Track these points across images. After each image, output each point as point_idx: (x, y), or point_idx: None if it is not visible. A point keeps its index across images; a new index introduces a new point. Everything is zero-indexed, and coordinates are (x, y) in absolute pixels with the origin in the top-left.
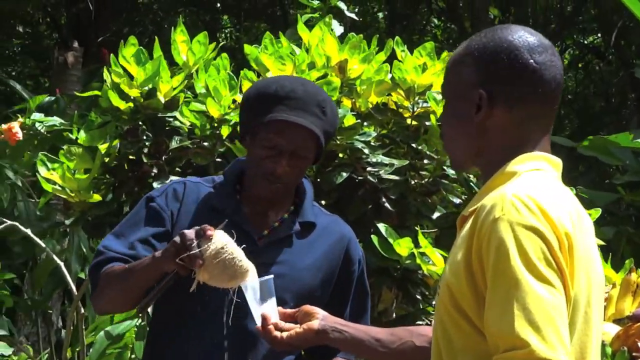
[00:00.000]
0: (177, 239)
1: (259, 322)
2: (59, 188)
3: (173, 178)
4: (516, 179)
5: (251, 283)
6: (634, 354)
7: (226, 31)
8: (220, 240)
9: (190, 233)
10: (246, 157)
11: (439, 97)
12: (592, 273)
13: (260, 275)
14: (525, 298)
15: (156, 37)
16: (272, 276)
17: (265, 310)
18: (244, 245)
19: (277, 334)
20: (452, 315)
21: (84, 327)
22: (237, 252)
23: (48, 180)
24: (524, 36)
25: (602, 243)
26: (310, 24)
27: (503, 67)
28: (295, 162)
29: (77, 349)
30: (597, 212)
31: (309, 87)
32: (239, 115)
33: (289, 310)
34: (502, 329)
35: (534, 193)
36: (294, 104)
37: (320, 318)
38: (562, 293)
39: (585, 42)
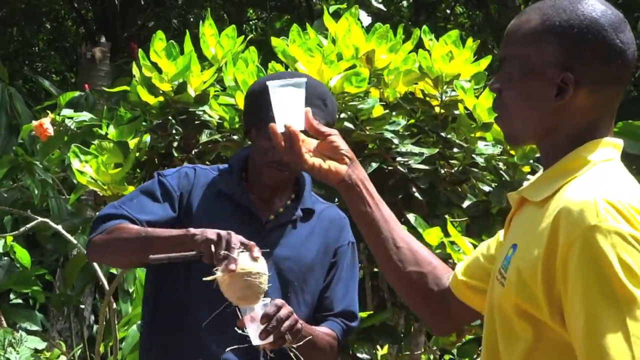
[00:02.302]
0: (224, 233)
1: (253, 337)
2: (92, 181)
3: None
4: (592, 171)
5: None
6: None
7: (251, 24)
8: (261, 267)
9: (238, 238)
10: (252, 149)
11: (467, 85)
12: None
13: (266, 256)
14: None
15: (187, 31)
16: (268, 299)
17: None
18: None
19: (308, 157)
20: (519, 307)
21: (116, 321)
22: (264, 286)
23: (81, 173)
24: (607, 12)
25: None
26: (337, 15)
27: (591, 48)
28: None
29: (110, 344)
30: None
31: (310, 81)
32: (244, 110)
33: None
34: (615, 353)
35: (626, 198)
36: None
37: (348, 163)
38: None
39: None
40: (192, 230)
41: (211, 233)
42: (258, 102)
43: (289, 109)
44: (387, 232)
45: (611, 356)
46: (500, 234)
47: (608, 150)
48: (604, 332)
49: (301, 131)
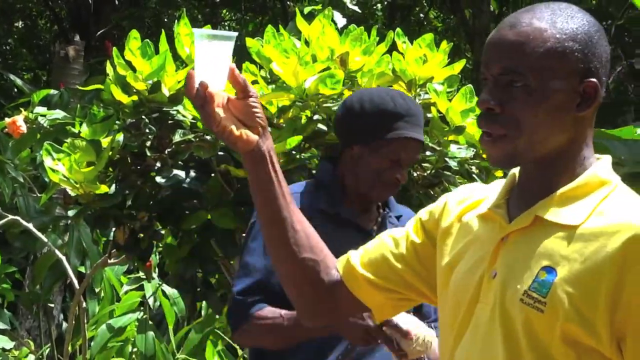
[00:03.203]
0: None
1: None
2: (65, 179)
3: (176, 172)
4: (620, 191)
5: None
6: None
7: (226, 25)
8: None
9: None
10: (353, 164)
11: (440, 88)
12: None
13: None
14: None
15: (162, 31)
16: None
17: None
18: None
19: (219, 118)
20: (567, 334)
21: (85, 320)
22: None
23: (53, 171)
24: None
25: None
26: (313, 16)
27: (605, 55)
28: (407, 170)
29: (79, 343)
30: None
31: (414, 102)
32: (341, 126)
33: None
34: None
35: None
36: (413, 120)
37: (261, 132)
38: None
39: None
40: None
41: (359, 328)
42: (372, 123)
43: (211, 64)
44: (287, 212)
45: None
46: (410, 231)
47: (610, 166)
48: None
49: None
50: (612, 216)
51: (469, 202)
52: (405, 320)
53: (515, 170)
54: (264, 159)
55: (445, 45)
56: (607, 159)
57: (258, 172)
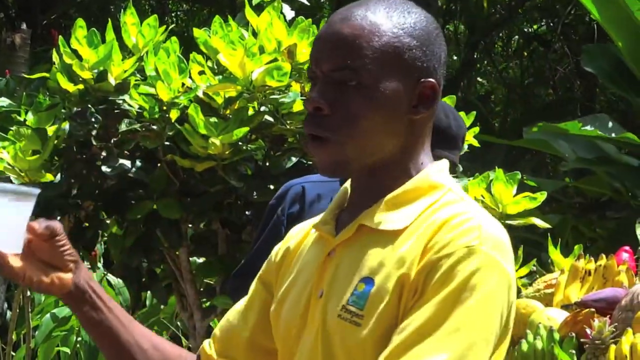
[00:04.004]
0: None
1: None
2: (9, 167)
3: (122, 161)
4: (453, 198)
5: None
6: (581, 340)
7: (173, 15)
8: None
9: None
10: None
11: None
12: None
13: None
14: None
15: (109, 20)
16: None
17: None
18: None
19: (23, 271)
20: (384, 341)
21: (29, 309)
22: None
23: None
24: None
25: (547, 226)
26: (261, 8)
27: (443, 55)
28: None
29: (23, 332)
30: (542, 195)
31: (459, 122)
32: None
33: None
34: None
35: (502, 236)
36: (449, 141)
37: (73, 268)
38: None
39: (530, 30)
40: None
41: None
42: None
43: (6, 225)
44: (128, 335)
45: None
46: (252, 293)
47: (447, 173)
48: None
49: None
50: (432, 217)
51: (307, 229)
52: None
53: (348, 184)
54: (85, 294)
55: None
56: (442, 163)
57: (84, 310)
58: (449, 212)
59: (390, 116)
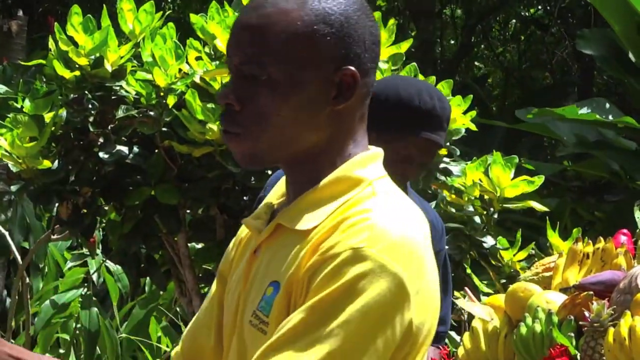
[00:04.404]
0: None
1: None
2: (7, 154)
3: (119, 147)
4: (366, 192)
5: None
6: (580, 322)
7: (170, 1)
8: None
9: None
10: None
11: (384, 66)
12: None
13: None
14: None
15: (104, 6)
16: None
17: None
18: None
19: None
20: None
21: (28, 296)
22: None
23: None
24: None
25: (545, 209)
26: None
27: (370, 37)
28: (420, 169)
29: (22, 319)
30: (540, 179)
31: (443, 102)
32: (370, 108)
33: None
34: None
35: (401, 237)
36: (434, 122)
37: None
38: None
39: (528, 14)
40: None
41: None
42: (390, 111)
43: None
44: None
45: None
46: (214, 289)
47: (378, 162)
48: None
49: None
50: (339, 217)
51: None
52: None
53: None
54: None
55: (392, 23)
56: (370, 153)
57: None
58: (352, 210)
59: (305, 109)
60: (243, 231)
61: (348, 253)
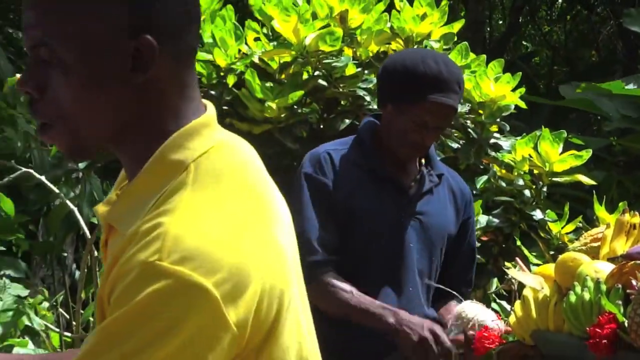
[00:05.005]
0: (429, 336)
1: None
2: None
3: None
4: (179, 183)
5: None
6: (628, 290)
7: None
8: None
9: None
10: (386, 122)
11: (436, 45)
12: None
13: (410, 221)
14: None
15: None
16: None
17: None
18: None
19: None
20: None
21: (97, 269)
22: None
23: None
24: None
25: (593, 183)
26: None
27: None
28: (436, 133)
29: (92, 290)
30: (588, 153)
31: (450, 67)
32: (380, 84)
33: None
34: None
35: (205, 241)
36: (443, 86)
37: None
38: None
39: None
40: (395, 324)
41: (418, 336)
42: (400, 85)
43: None
44: None
45: None
46: None
47: (203, 134)
48: None
49: None
50: (150, 219)
51: None
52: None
53: None
54: None
55: (444, 3)
56: (188, 127)
57: None
58: (154, 214)
59: (104, 89)
60: None
61: (139, 269)
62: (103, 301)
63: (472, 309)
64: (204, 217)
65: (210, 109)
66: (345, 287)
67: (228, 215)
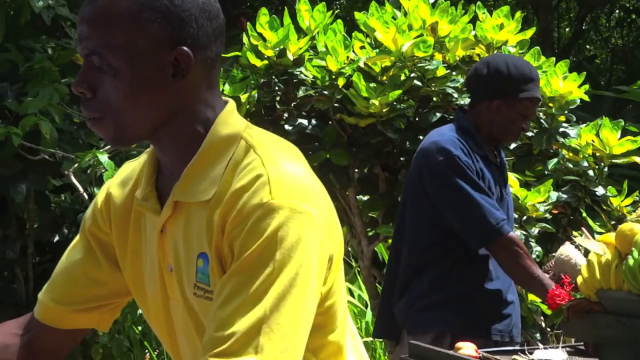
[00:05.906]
0: None
1: None
2: None
3: (300, 120)
4: (242, 148)
5: None
6: None
7: (337, 2)
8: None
9: None
10: (493, 114)
11: (513, 50)
12: None
13: (505, 196)
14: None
15: (285, 8)
16: None
17: None
18: None
19: None
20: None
21: None
22: None
23: None
24: None
25: None
26: None
27: (201, 14)
28: (530, 121)
29: None
30: None
31: (519, 68)
32: (485, 81)
33: None
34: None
35: (296, 177)
36: (537, 84)
37: None
38: None
39: (630, 4)
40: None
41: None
42: (513, 84)
43: None
44: None
45: None
46: (82, 244)
47: (238, 117)
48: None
49: None
50: (232, 179)
51: (132, 184)
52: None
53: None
54: None
55: (518, 15)
56: (225, 111)
57: None
58: (240, 170)
59: (147, 91)
60: (104, 202)
61: (259, 211)
62: (222, 250)
63: (571, 252)
64: (287, 164)
65: (230, 100)
66: (526, 251)
67: (300, 162)
